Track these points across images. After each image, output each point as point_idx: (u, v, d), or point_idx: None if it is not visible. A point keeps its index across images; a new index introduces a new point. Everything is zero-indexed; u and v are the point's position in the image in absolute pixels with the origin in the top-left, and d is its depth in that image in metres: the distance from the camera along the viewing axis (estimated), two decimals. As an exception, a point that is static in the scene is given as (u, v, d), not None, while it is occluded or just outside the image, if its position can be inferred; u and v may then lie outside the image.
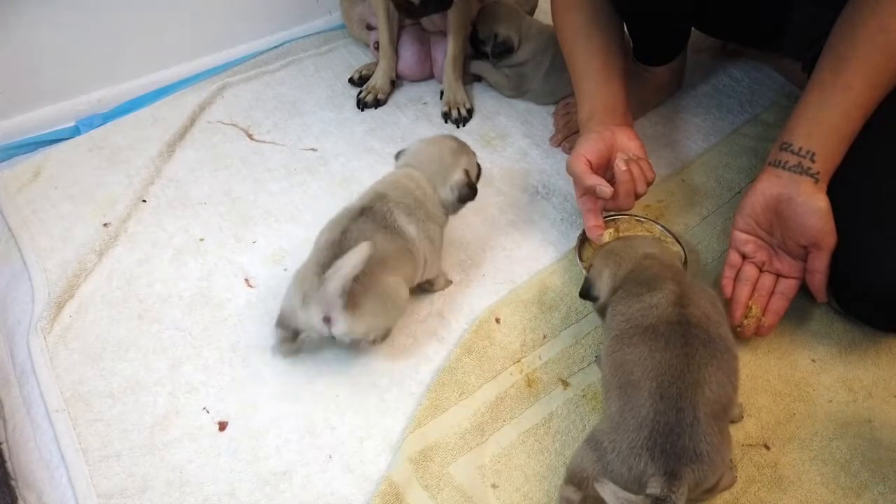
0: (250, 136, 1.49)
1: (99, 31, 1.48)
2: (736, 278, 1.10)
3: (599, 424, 0.90)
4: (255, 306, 1.18)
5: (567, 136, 1.46)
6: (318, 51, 1.70)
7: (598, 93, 1.24)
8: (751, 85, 1.61)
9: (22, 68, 1.43)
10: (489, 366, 1.09)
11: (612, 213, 1.25)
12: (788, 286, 1.08)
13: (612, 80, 1.24)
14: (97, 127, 1.50)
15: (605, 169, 1.18)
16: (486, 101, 1.59)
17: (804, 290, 1.08)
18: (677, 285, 0.93)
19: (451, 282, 1.22)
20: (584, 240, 1.25)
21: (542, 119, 1.55)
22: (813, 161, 0.99)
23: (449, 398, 1.05)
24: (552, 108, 1.56)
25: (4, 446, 1.01)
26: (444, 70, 1.54)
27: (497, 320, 1.16)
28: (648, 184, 1.16)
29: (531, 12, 1.66)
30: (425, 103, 1.58)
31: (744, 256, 1.10)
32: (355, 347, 1.09)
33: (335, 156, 1.45)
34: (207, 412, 1.04)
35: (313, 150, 1.47)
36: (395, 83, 1.61)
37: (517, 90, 1.58)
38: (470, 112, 1.54)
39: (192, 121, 1.50)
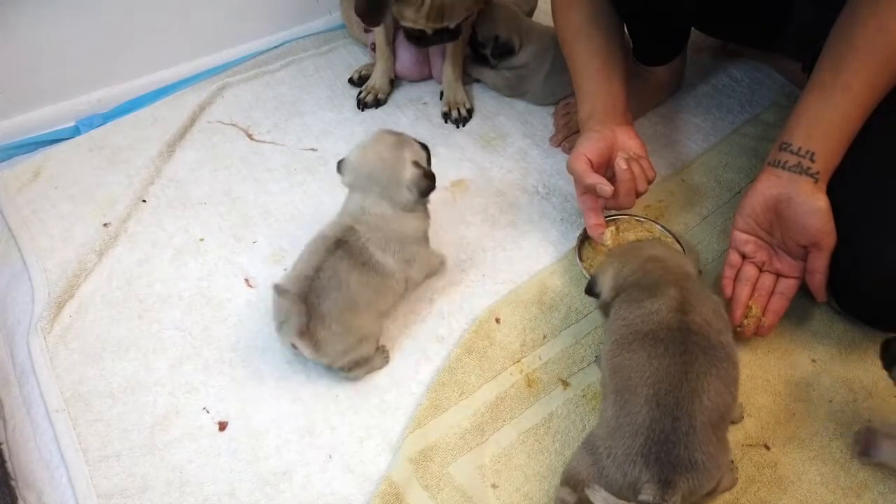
0: (250, 136, 1.49)
1: (99, 31, 1.48)
2: (736, 278, 1.10)
3: (596, 428, 0.90)
4: (255, 306, 1.18)
5: (567, 136, 1.46)
6: (318, 51, 1.70)
7: (598, 92, 1.24)
8: (751, 85, 1.61)
9: (22, 68, 1.43)
10: (489, 366, 1.09)
11: (613, 214, 1.25)
12: (788, 286, 1.08)
13: (613, 79, 1.24)
14: (97, 127, 1.50)
15: (605, 168, 1.18)
16: (486, 101, 1.59)
17: (804, 290, 1.08)
18: (679, 291, 0.92)
19: (445, 263, 1.20)
20: (584, 240, 1.25)
21: (542, 119, 1.55)
22: (812, 161, 0.99)
23: (449, 398, 1.05)
24: (552, 109, 1.56)
25: (4, 446, 1.01)
26: (444, 70, 1.54)
27: (497, 320, 1.16)
28: (649, 182, 1.16)
29: (530, 13, 1.66)
30: (425, 103, 1.58)
31: (744, 256, 1.10)
32: (339, 371, 1.08)
33: (335, 156, 1.44)
34: (207, 412, 1.04)
35: (313, 150, 1.47)
36: (395, 83, 1.61)
37: (515, 90, 1.58)
38: (470, 112, 1.54)
39: (192, 121, 1.50)
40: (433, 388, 1.06)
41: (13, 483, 0.97)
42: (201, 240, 1.28)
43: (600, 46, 1.26)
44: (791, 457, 1.00)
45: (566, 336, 1.14)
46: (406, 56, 1.59)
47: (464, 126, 1.52)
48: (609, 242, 1.20)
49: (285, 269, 1.22)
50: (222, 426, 1.03)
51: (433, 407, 1.04)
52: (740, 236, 1.09)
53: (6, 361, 1.11)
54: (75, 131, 1.51)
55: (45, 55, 1.44)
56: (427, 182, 1.06)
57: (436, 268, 1.19)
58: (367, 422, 1.04)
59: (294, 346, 1.01)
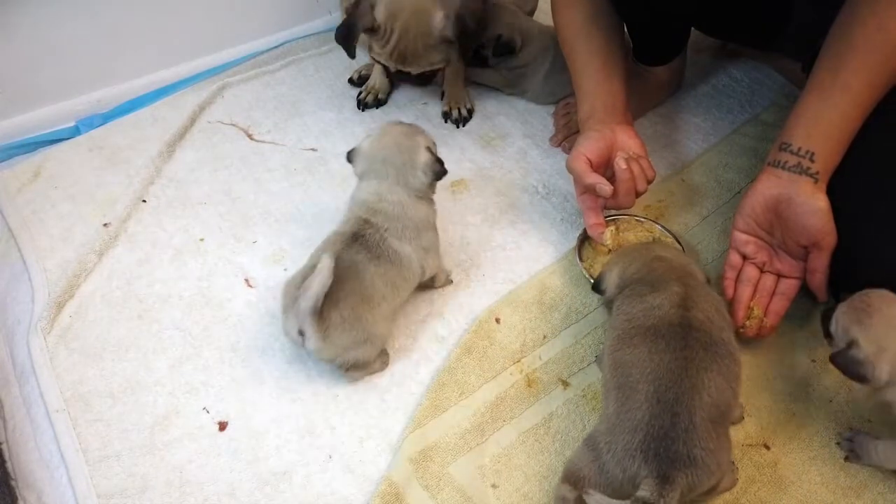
0: (250, 136, 1.49)
1: (99, 31, 1.48)
2: (737, 279, 1.10)
3: (598, 425, 0.90)
4: (255, 306, 1.18)
5: (567, 135, 1.46)
6: (318, 51, 1.70)
7: (597, 91, 1.24)
8: (751, 85, 1.61)
9: (22, 68, 1.43)
10: (489, 366, 1.09)
11: (613, 214, 1.25)
12: (789, 286, 1.08)
13: (612, 78, 1.24)
14: (97, 127, 1.50)
15: (605, 167, 1.18)
16: (486, 101, 1.59)
17: (803, 290, 1.08)
18: (682, 287, 0.93)
19: (452, 281, 1.21)
20: (584, 239, 1.25)
21: (542, 119, 1.55)
22: (812, 161, 0.99)
23: (449, 398, 1.05)
24: (552, 108, 1.56)
25: (4, 446, 1.01)
26: (447, 69, 1.54)
27: (497, 320, 1.16)
28: (648, 182, 1.16)
29: (531, 13, 1.66)
30: (425, 103, 1.58)
31: (744, 257, 1.10)
32: (338, 368, 1.07)
33: (335, 156, 1.45)
34: (207, 412, 1.04)
35: (313, 150, 1.47)
36: (395, 83, 1.61)
37: (515, 88, 1.58)
38: (470, 112, 1.54)
39: (192, 121, 1.50)
40: (433, 388, 1.06)
41: (13, 483, 0.97)
42: (201, 240, 1.28)
43: (600, 46, 1.26)
44: (791, 457, 1.00)
45: (566, 336, 1.14)
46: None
47: (464, 126, 1.52)
48: (609, 242, 1.20)
49: (285, 269, 1.22)
50: (222, 426, 1.03)
51: (433, 407, 1.04)
52: (741, 237, 1.09)
53: (6, 361, 1.11)
54: (75, 131, 1.51)
55: (45, 55, 1.44)
56: (439, 167, 1.09)
57: (442, 280, 1.20)
58: (367, 422, 1.04)
59: (301, 334, 0.99)
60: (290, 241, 1.28)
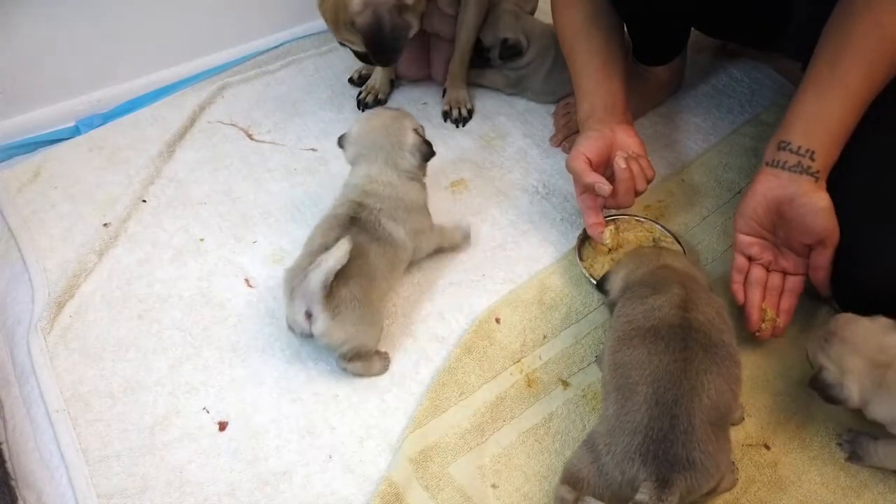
0: (250, 136, 1.49)
1: (99, 31, 1.48)
2: (745, 282, 1.09)
3: (597, 426, 0.90)
4: (255, 306, 1.18)
5: (567, 135, 1.46)
6: (318, 51, 1.70)
7: (597, 91, 1.24)
8: (751, 85, 1.61)
9: (22, 68, 1.43)
10: (489, 366, 1.09)
11: (613, 213, 1.25)
12: (795, 283, 1.08)
13: (612, 78, 1.24)
14: (97, 127, 1.50)
15: (604, 167, 1.18)
16: (486, 101, 1.59)
17: (804, 290, 1.08)
18: (683, 289, 0.92)
19: (469, 240, 1.25)
20: (584, 239, 1.25)
21: (542, 119, 1.55)
22: (812, 160, 0.99)
23: (449, 398, 1.05)
24: (552, 108, 1.56)
25: (4, 446, 1.01)
26: (450, 68, 1.54)
27: (497, 320, 1.15)
28: (648, 181, 1.16)
29: (531, 13, 1.66)
30: (425, 104, 1.58)
31: (750, 259, 1.09)
32: (341, 359, 1.07)
33: (335, 156, 1.45)
34: (207, 412, 1.04)
35: (313, 150, 1.47)
36: (395, 83, 1.61)
37: (516, 88, 1.58)
38: (470, 112, 1.54)
39: (192, 121, 1.50)
40: (433, 388, 1.06)
41: (13, 483, 0.97)
42: (201, 240, 1.28)
43: (600, 46, 1.26)
44: (791, 457, 1.00)
45: (566, 336, 1.14)
46: (406, 56, 1.59)
47: (463, 126, 1.52)
48: (608, 242, 1.20)
49: (285, 269, 1.22)
50: (222, 426, 1.03)
51: (433, 407, 1.04)
52: (744, 239, 1.08)
53: (6, 361, 1.11)
54: (75, 131, 1.51)
55: (45, 55, 1.44)
56: (427, 147, 1.13)
57: (456, 239, 1.23)
58: (367, 422, 1.04)
59: (308, 316, 0.99)
60: (290, 241, 1.28)
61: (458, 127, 1.52)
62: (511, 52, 1.51)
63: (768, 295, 1.08)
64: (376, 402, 1.06)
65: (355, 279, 1.01)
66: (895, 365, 0.89)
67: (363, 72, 1.62)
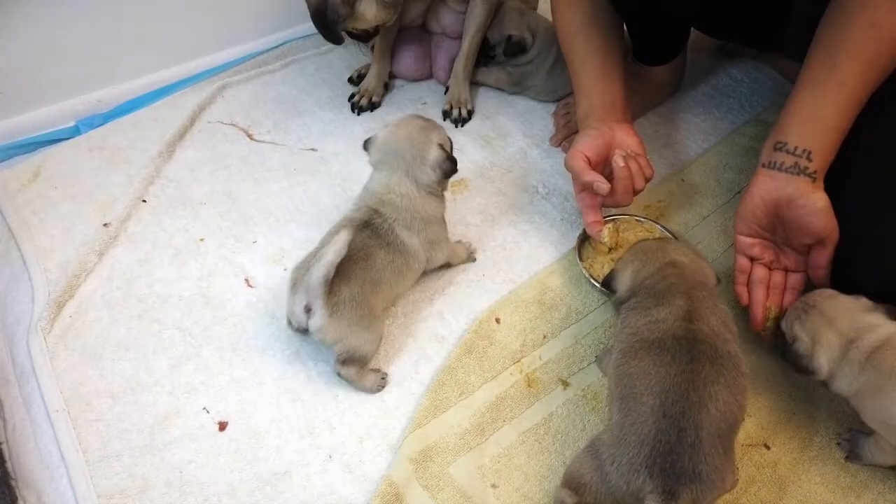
0: (250, 136, 1.49)
1: (99, 31, 1.48)
2: (748, 282, 1.09)
3: (601, 433, 0.89)
4: (255, 306, 1.18)
5: (567, 135, 1.46)
6: (318, 51, 1.70)
7: (596, 90, 1.24)
8: (751, 85, 1.61)
9: (22, 68, 1.43)
10: (489, 366, 1.09)
11: (613, 213, 1.25)
12: (797, 280, 1.08)
13: (611, 76, 1.24)
14: (97, 127, 1.50)
15: (603, 165, 1.18)
16: (486, 101, 1.59)
17: (806, 286, 1.08)
18: (688, 300, 0.92)
19: (475, 259, 1.25)
20: (584, 239, 1.25)
21: (542, 119, 1.55)
22: (809, 160, 0.99)
23: (449, 398, 1.05)
24: (552, 108, 1.56)
25: (4, 446, 1.01)
26: (455, 67, 1.54)
27: (497, 320, 1.16)
28: (647, 180, 1.16)
29: (533, 9, 1.66)
30: (425, 103, 1.58)
31: (751, 259, 1.09)
32: (336, 362, 1.06)
33: (335, 156, 1.45)
34: (207, 412, 1.04)
35: (313, 150, 1.47)
36: (395, 83, 1.60)
37: (518, 86, 1.58)
38: (470, 114, 1.54)
39: (192, 121, 1.50)
40: (433, 388, 1.06)
41: (13, 483, 0.97)
42: (201, 240, 1.28)
43: (599, 45, 1.26)
44: (791, 457, 1.00)
45: (566, 336, 1.14)
46: (407, 55, 1.59)
47: (462, 126, 1.52)
48: (606, 240, 1.20)
49: (285, 269, 1.22)
50: (222, 426, 1.03)
51: (433, 407, 1.04)
52: (745, 240, 1.08)
53: (6, 361, 1.11)
54: (75, 131, 1.51)
55: (45, 55, 1.44)
56: (449, 164, 1.11)
57: (462, 257, 1.23)
58: (367, 422, 1.04)
59: (307, 310, 1.00)
60: (290, 241, 1.28)
61: (456, 127, 1.52)
62: (515, 48, 1.51)
63: (771, 293, 1.08)
64: (376, 402, 1.06)
65: (358, 281, 1.01)
66: (858, 340, 0.91)
67: (363, 71, 1.62)
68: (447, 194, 1.35)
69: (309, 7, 1.33)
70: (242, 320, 1.16)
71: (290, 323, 1.06)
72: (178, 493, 0.96)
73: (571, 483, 0.87)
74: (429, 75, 1.63)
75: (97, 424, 1.02)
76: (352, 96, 1.57)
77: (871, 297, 0.96)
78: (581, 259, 1.22)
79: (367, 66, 1.62)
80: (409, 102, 1.59)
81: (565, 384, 1.08)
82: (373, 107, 1.56)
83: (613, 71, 1.25)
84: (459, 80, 1.54)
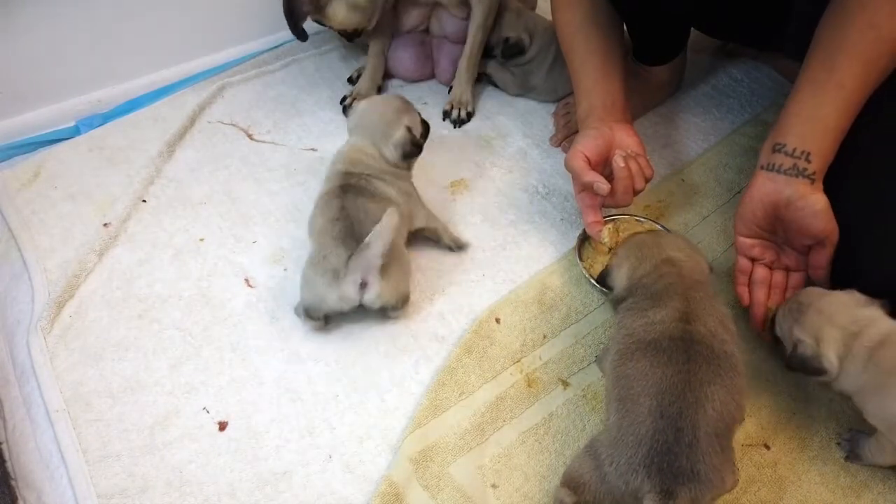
0: (250, 136, 1.49)
1: (99, 31, 1.48)
2: (749, 283, 1.09)
3: (600, 434, 0.89)
4: (255, 306, 1.18)
5: (567, 135, 1.46)
6: (318, 51, 1.70)
7: (596, 90, 1.24)
8: (751, 85, 1.61)
9: (22, 68, 1.43)
10: (489, 366, 1.09)
11: (613, 213, 1.25)
12: (798, 280, 1.08)
13: (611, 76, 1.24)
14: (97, 127, 1.50)
15: (603, 165, 1.18)
16: (486, 101, 1.59)
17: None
18: (685, 301, 0.92)
19: (462, 247, 1.26)
20: (584, 239, 1.25)
21: (542, 119, 1.55)
22: (808, 162, 0.99)
23: (449, 398, 1.05)
24: (552, 108, 1.56)
25: (4, 446, 1.01)
26: (459, 67, 1.53)
27: (497, 320, 1.16)
28: (647, 180, 1.16)
29: (532, 9, 1.66)
30: (426, 103, 1.58)
31: (752, 260, 1.09)
32: (382, 314, 1.14)
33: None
34: (207, 412, 1.04)
35: (313, 150, 1.47)
36: (382, 88, 1.59)
37: (523, 88, 1.58)
38: (469, 115, 1.54)
39: (192, 121, 1.50)
40: (433, 388, 1.06)
41: (13, 483, 0.97)
42: (201, 240, 1.28)
43: (599, 45, 1.26)
44: (791, 457, 1.00)
45: (566, 336, 1.14)
46: (407, 56, 1.59)
47: (460, 127, 1.52)
48: (606, 240, 1.20)
49: (285, 269, 1.22)
50: (222, 426, 1.03)
51: (433, 407, 1.04)
52: (745, 242, 1.08)
53: (6, 361, 1.11)
54: (75, 131, 1.51)
55: (45, 55, 1.44)
56: (412, 147, 1.19)
57: (450, 236, 1.25)
58: (367, 422, 1.04)
59: (362, 286, 1.04)
60: (290, 241, 1.28)
61: (455, 127, 1.52)
62: (513, 50, 1.51)
63: (773, 293, 1.08)
64: (376, 402, 1.06)
65: (385, 238, 1.04)
66: (862, 335, 0.90)
67: (363, 71, 1.62)
68: (447, 195, 1.36)
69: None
70: (242, 320, 1.16)
71: (319, 308, 1.08)
72: (178, 493, 0.96)
73: (570, 483, 0.87)
74: (429, 76, 1.63)
75: (97, 424, 1.02)
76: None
77: (869, 296, 0.96)
78: (581, 259, 1.22)
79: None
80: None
81: (565, 384, 1.08)
82: None
83: (613, 71, 1.25)
84: (463, 80, 1.54)
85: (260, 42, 1.70)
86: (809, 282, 1.07)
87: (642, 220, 1.27)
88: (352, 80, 1.62)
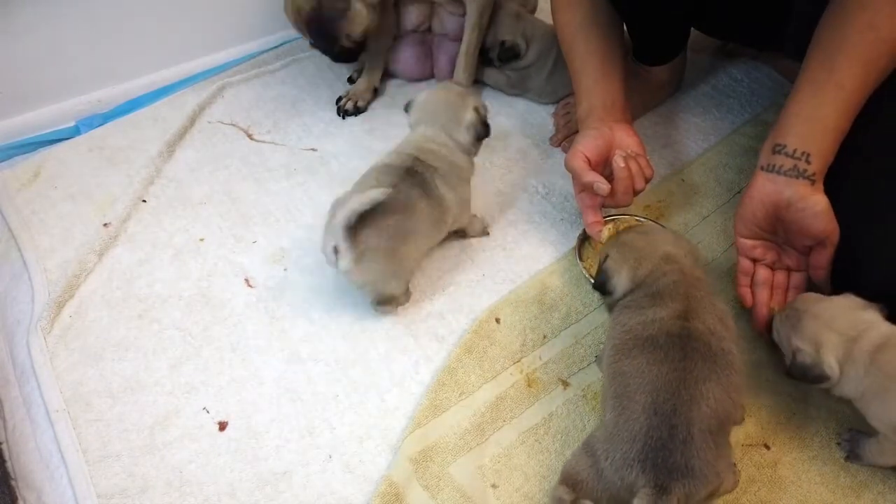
0: (250, 136, 1.49)
1: (99, 31, 1.48)
2: (751, 283, 1.09)
3: (596, 430, 0.90)
4: (255, 306, 1.18)
5: (567, 135, 1.46)
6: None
7: (596, 90, 1.24)
8: (751, 85, 1.61)
9: (22, 68, 1.43)
10: (489, 366, 1.09)
11: (613, 214, 1.25)
12: (800, 280, 1.08)
13: (611, 76, 1.24)
14: (97, 127, 1.50)
15: (603, 166, 1.18)
16: (486, 101, 1.57)
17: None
18: (685, 300, 0.91)
19: (488, 233, 1.28)
20: (584, 239, 1.25)
21: (542, 119, 1.55)
22: (808, 162, 0.99)
23: (449, 398, 1.05)
24: (552, 108, 1.56)
25: (4, 446, 1.01)
26: (457, 66, 1.53)
27: (497, 320, 1.16)
28: (647, 180, 1.16)
29: (532, 12, 1.66)
30: (425, 103, 1.58)
31: (754, 261, 1.09)
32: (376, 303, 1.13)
33: (335, 156, 1.45)
34: (207, 412, 1.04)
35: (313, 150, 1.47)
36: (378, 90, 1.59)
37: (518, 88, 1.58)
38: None
39: (192, 121, 1.50)
40: (433, 388, 1.06)
41: (13, 483, 0.97)
42: (201, 240, 1.28)
43: (599, 45, 1.26)
44: (791, 457, 1.00)
45: (566, 336, 1.14)
46: (407, 55, 1.59)
47: None
48: (606, 240, 1.20)
49: (285, 269, 1.22)
50: (222, 426, 1.03)
51: (433, 407, 1.04)
52: (746, 243, 1.08)
53: (6, 361, 1.11)
54: (75, 131, 1.51)
55: (45, 55, 1.44)
56: (483, 128, 1.18)
57: (478, 229, 1.26)
58: (367, 422, 1.04)
59: (335, 251, 1.03)
60: (290, 241, 1.28)
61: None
62: (509, 54, 1.51)
63: (775, 293, 1.08)
64: (376, 402, 1.06)
65: (391, 232, 1.04)
66: (861, 339, 0.90)
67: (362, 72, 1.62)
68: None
69: (300, 19, 1.35)
70: (242, 320, 1.16)
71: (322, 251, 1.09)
72: (178, 493, 0.96)
73: (568, 480, 0.87)
74: (430, 75, 1.63)
75: (97, 424, 1.02)
76: (339, 99, 1.56)
77: (869, 297, 0.96)
78: (581, 259, 1.22)
79: (367, 67, 1.62)
80: (409, 102, 1.58)
81: (565, 384, 1.08)
82: (357, 111, 1.54)
83: (613, 71, 1.25)
84: (461, 80, 1.54)
85: (260, 42, 1.70)
86: (811, 281, 1.07)
87: (642, 220, 1.27)
88: (352, 80, 1.62)
